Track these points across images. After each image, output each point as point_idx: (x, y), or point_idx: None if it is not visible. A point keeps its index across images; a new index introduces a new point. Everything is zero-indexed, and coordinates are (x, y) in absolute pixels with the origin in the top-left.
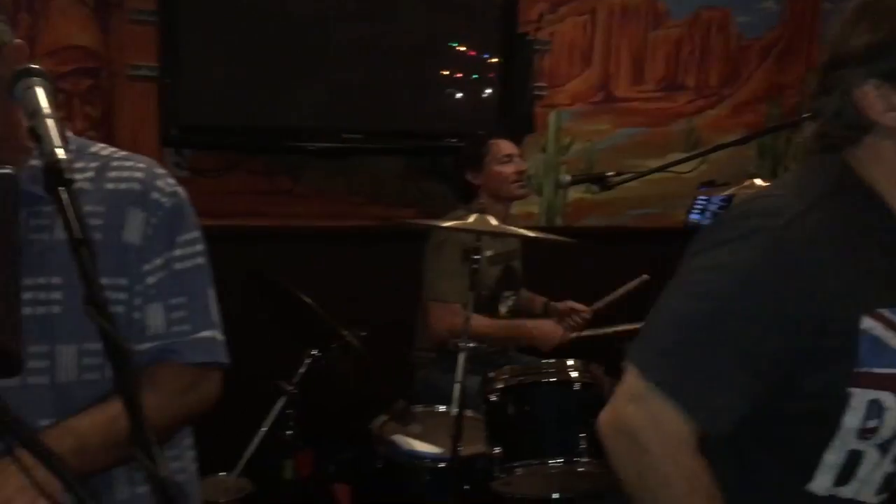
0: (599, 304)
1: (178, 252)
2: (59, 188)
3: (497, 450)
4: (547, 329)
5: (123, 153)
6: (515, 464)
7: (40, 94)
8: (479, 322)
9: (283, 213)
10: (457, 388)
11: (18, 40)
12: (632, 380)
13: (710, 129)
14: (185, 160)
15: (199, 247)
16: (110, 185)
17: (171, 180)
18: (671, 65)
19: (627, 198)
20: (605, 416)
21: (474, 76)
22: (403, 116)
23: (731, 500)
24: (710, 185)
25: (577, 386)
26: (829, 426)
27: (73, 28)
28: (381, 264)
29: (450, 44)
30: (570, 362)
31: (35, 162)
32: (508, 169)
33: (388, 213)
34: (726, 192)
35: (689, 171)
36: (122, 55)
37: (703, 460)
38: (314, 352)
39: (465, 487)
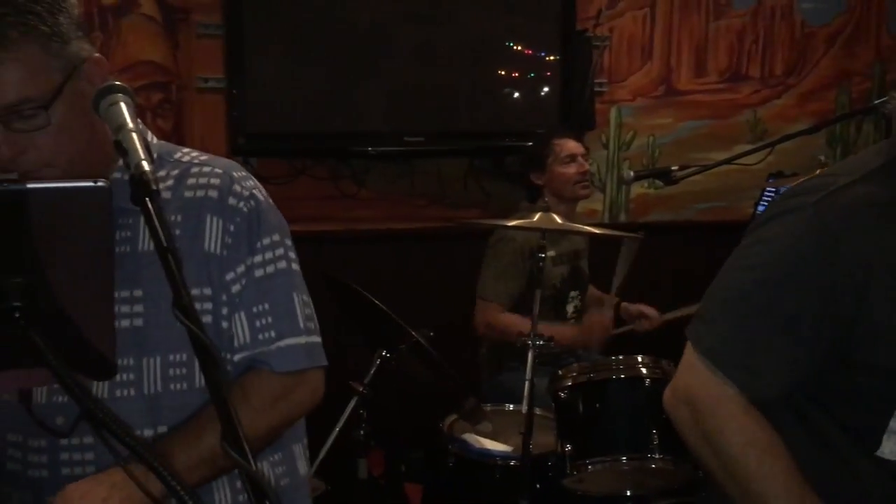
0: (671, 316)
1: (258, 258)
2: (146, 199)
3: (568, 447)
4: (595, 325)
5: (205, 157)
6: (587, 461)
7: (124, 108)
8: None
9: (349, 217)
10: (527, 385)
11: (97, 54)
12: (686, 353)
13: (776, 120)
14: (251, 168)
15: (282, 250)
16: (188, 193)
17: (250, 182)
18: (734, 55)
19: (692, 192)
20: (667, 392)
21: (534, 75)
22: (464, 118)
23: (805, 470)
24: (778, 176)
25: (647, 382)
26: (891, 394)
27: (143, 44)
28: (445, 265)
29: (508, 43)
30: (640, 358)
31: (117, 175)
32: (570, 170)
33: (451, 215)
34: (795, 183)
35: (755, 163)
36: (190, 68)
37: (758, 415)
38: (384, 352)
39: (537, 486)
